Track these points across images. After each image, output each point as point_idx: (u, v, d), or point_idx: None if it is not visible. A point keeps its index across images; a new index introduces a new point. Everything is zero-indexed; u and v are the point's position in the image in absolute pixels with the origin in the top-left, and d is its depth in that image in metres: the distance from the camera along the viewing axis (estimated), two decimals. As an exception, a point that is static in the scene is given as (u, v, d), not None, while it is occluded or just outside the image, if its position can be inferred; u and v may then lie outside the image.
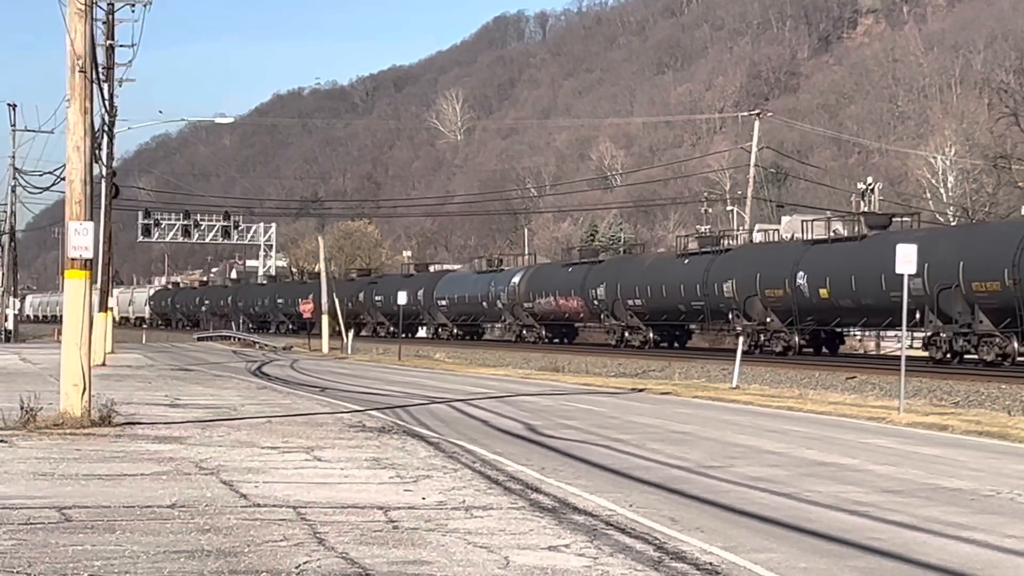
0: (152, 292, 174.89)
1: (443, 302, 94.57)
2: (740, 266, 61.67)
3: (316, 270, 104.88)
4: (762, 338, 59.86)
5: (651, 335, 70.09)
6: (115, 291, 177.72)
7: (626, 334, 71.22)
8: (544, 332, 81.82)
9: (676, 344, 71.33)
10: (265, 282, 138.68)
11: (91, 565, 11.53)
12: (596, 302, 73.44)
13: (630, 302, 69.89)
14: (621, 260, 76.81)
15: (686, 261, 66.87)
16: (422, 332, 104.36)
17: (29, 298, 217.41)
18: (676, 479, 19.23)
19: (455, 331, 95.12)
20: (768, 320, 59.16)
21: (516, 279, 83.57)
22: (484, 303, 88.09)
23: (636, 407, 34.69)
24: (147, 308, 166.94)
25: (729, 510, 16.37)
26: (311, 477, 17.93)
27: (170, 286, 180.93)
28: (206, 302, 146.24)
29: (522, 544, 13.20)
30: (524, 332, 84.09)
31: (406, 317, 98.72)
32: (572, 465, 20.88)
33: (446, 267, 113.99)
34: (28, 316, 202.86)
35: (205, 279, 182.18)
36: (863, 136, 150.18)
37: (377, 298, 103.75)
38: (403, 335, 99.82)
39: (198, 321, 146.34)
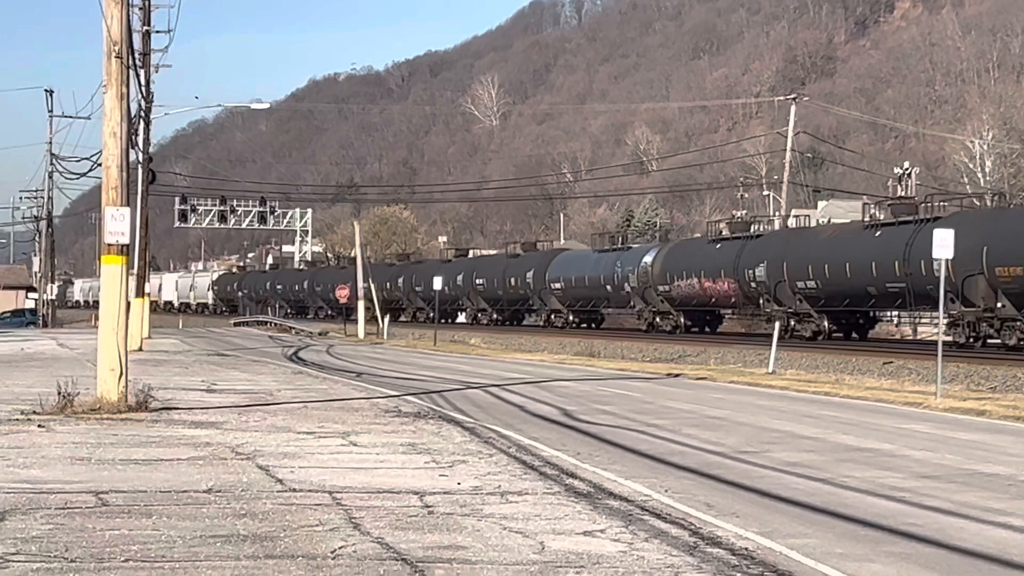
0: (216, 276, 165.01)
1: (557, 285, 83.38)
2: (958, 239, 48.71)
3: (353, 255, 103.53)
4: (983, 327, 49.08)
5: (826, 324, 59.28)
6: (174, 276, 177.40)
7: (792, 322, 60.13)
8: (683, 320, 70.84)
9: (855, 335, 60.11)
10: (346, 265, 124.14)
11: (128, 550, 11.57)
12: (753, 284, 62.61)
13: (800, 284, 59.06)
14: (788, 234, 65.01)
15: (878, 233, 55.13)
16: (529, 320, 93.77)
17: (78, 283, 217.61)
18: (711, 464, 19.20)
19: (571, 318, 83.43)
20: (999, 305, 47.68)
21: (648, 258, 73.01)
22: (608, 286, 76.80)
23: (671, 392, 34.66)
24: (210, 293, 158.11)
25: (765, 495, 16.34)
26: (347, 462, 17.95)
27: (235, 269, 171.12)
28: (278, 287, 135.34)
29: (557, 529, 13.20)
30: (657, 320, 72.77)
31: (513, 303, 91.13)
32: (607, 450, 20.87)
33: (561, 246, 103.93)
34: (78, 301, 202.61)
35: (273, 264, 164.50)
36: (900, 120, 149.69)
37: (478, 281, 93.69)
38: (507, 323, 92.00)
39: (268, 308, 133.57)
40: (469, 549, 12.00)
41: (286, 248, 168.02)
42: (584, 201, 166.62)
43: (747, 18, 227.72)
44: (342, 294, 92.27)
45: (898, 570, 11.97)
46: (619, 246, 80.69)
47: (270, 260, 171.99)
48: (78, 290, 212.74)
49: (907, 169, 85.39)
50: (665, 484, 16.97)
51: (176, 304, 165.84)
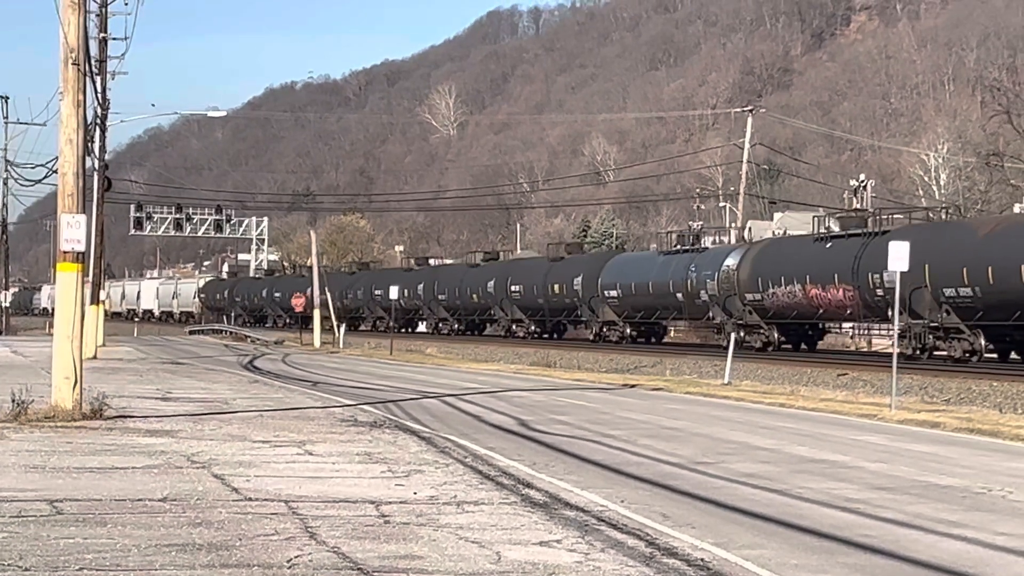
0: (203, 283, 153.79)
1: (613, 293, 71.00)
2: None
3: (309, 264, 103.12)
4: None
5: (981, 341, 46.10)
6: (155, 282, 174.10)
7: (931, 339, 48.18)
8: (776, 335, 58.34)
9: (1016, 355, 47.78)
10: (356, 271, 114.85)
11: (82, 558, 11.52)
12: (880, 292, 49.60)
13: (948, 291, 46.24)
14: (931, 228, 50.43)
15: None
16: (573, 333, 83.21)
17: (45, 288, 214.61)
18: (667, 475, 19.23)
19: (628, 331, 70.77)
20: None
21: (732, 260, 61.00)
22: (678, 294, 64.84)
23: (627, 403, 34.69)
24: (196, 301, 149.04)
25: (720, 506, 16.38)
26: (303, 471, 17.93)
27: (224, 275, 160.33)
28: (276, 295, 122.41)
29: (514, 539, 13.20)
30: (744, 335, 59.13)
31: (557, 313, 79.32)
32: (564, 460, 20.88)
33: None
34: (44, 308, 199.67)
35: (268, 270, 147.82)
36: (856, 133, 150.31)
37: (513, 288, 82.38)
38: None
39: (264, 317, 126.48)
40: (425, 559, 11.99)
41: (242, 256, 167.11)
42: (541, 211, 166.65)
43: (704, 30, 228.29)
44: (297, 303, 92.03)
45: (853, 581, 12.01)
46: (691, 246, 67.51)
47: (226, 268, 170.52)
48: (45, 296, 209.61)
49: (863, 181, 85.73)
50: (621, 495, 16.99)
51: (157, 313, 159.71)
